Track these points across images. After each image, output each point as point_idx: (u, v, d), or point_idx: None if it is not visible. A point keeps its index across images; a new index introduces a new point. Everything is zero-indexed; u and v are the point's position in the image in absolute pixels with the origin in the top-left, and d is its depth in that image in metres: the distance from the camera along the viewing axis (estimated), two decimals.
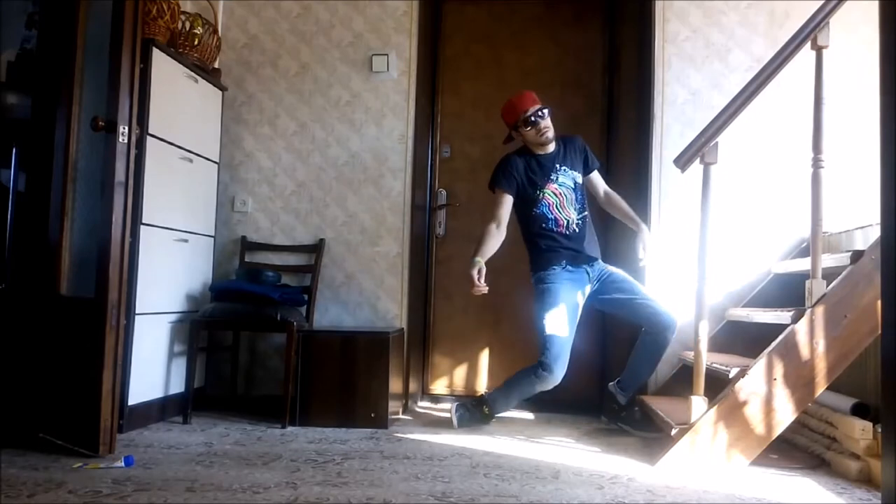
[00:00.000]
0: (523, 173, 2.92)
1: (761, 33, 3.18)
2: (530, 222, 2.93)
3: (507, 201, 2.91)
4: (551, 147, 2.95)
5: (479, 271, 2.78)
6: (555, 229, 2.89)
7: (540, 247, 2.90)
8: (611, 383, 2.94)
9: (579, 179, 2.97)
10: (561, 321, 2.76)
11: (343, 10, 3.49)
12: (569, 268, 2.85)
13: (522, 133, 2.93)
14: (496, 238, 2.86)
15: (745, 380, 2.25)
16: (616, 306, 2.90)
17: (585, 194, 2.99)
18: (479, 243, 2.85)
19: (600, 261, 2.95)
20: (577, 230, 2.90)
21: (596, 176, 3.06)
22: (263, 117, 3.49)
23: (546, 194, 2.89)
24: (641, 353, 2.83)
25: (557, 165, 2.93)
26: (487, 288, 2.78)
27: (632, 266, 3.28)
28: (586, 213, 2.96)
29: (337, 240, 3.41)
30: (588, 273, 2.88)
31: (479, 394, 3.11)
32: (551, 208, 2.89)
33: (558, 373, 2.74)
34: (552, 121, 2.92)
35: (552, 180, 2.91)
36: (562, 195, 2.89)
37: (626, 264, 3.31)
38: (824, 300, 2.25)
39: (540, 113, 2.88)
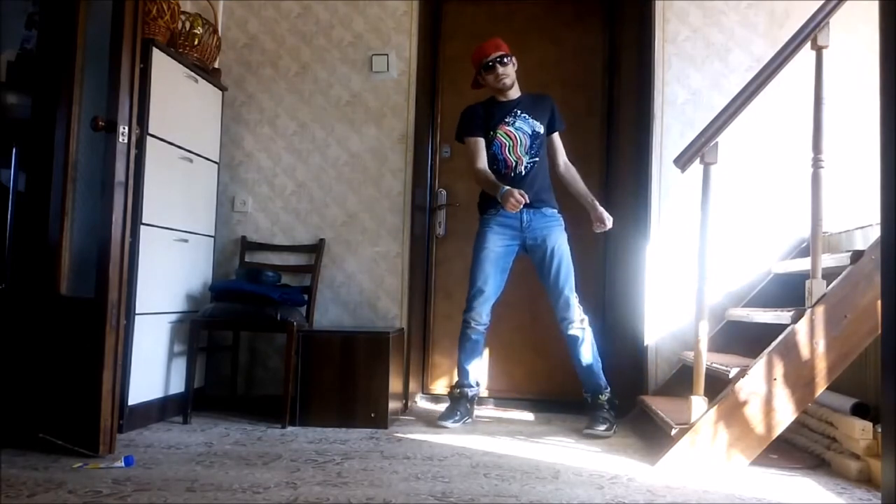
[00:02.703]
0: (483, 117, 3.04)
1: (761, 33, 3.18)
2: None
3: (481, 143, 3.02)
4: (513, 94, 3.07)
5: (522, 192, 2.82)
6: (502, 171, 2.99)
7: (483, 190, 3.02)
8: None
9: (540, 130, 3.03)
10: (483, 266, 2.95)
11: (343, 10, 3.49)
12: (502, 212, 2.93)
13: (483, 77, 3.05)
14: (490, 172, 2.97)
15: (745, 380, 2.25)
16: (539, 274, 2.99)
17: (543, 146, 3.05)
18: (486, 179, 2.94)
19: (548, 209, 3.00)
20: (522, 172, 2.98)
21: (557, 139, 3.12)
22: (263, 117, 3.49)
23: (499, 135, 3.00)
24: (571, 353, 2.93)
25: (518, 111, 3.03)
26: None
27: (632, 272, 3.29)
28: (538, 160, 3.02)
29: (337, 240, 3.41)
30: (522, 219, 2.95)
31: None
32: (502, 149, 2.99)
33: (476, 313, 2.94)
34: (515, 69, 3.04)
35: (507, 123, 3.01)
36: (515, 138, 2.98)
37: (627, 269, 3.32)
38: (824, 300, 2.25)
39: (501, 59, 3.00)
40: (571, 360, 2.94)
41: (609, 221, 2.96)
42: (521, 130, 2.99)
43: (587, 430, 2.77)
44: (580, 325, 2.88)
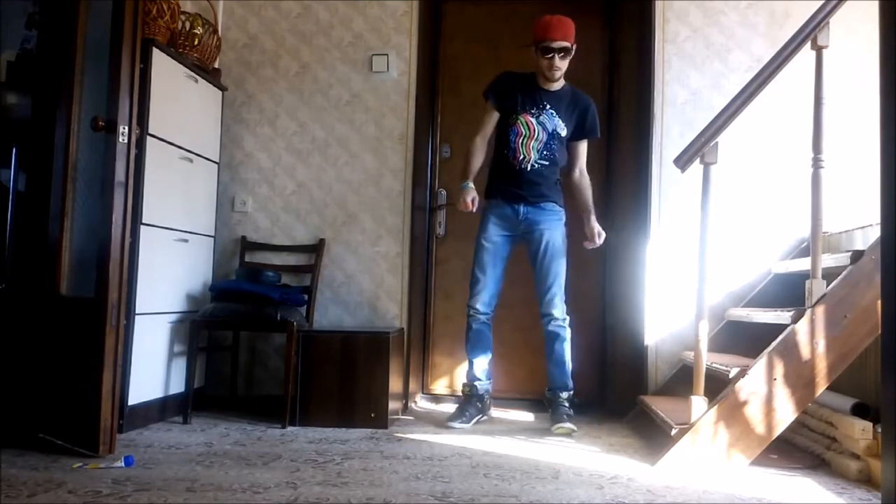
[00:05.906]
0: (515, 92, 2.95)
1: (761, 33, 3.18)
2: (497, 142, 3.00)
3: (494, 117, 2.97)
4: (556, 86, 2.94)
5: (474, 200, 2.89)
6: (510, 158, 2.94)
7: (490, 170, 3.01)
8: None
9: (561, 132, 2.93)
10: (480, 255, 2.95)
11: (343, 10, 3.49)
12: (501, 202, 2.94)
13: (537, 54, 2.89)
14: (481, 153, 2.97)
15: (745, 380, 2.25)
16: (532, 266, 2.97)
17: (562, 149, 2.97)
18: (466, 162, 2.96)
19: (549, 203, 2.93)
20: (527, 169, 2.91)
21: (582, 147, 3.02)
22: (263, 117, 3.49)
23: (519, 121, 2.92)
24: (547, 349, 2.94)
25: (547, 105, 2.92)
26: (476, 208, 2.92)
27: (632, 272, 3.29)
28: (548, 164, 2.93)
29: (337, 240, 3.41)
30: (519, 212, 2.93)
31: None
32: (517, 138, 2.92)
33: (476, 300, 2.94)
34: (567, 65, 2.88)
35: (531, 113, 2.92)
36: (533, 131, 2.89)
37: (627, 269, 3.32)
38: (824, 300, 2.25)
39: (561, 52, 2.82)
40: (546, 355, 2.93)
41: (600, 238, 2.93)
42: (542, 126, 2.90)
43: (557, 427, 2.76)
44: (562, 324, 2.88)
